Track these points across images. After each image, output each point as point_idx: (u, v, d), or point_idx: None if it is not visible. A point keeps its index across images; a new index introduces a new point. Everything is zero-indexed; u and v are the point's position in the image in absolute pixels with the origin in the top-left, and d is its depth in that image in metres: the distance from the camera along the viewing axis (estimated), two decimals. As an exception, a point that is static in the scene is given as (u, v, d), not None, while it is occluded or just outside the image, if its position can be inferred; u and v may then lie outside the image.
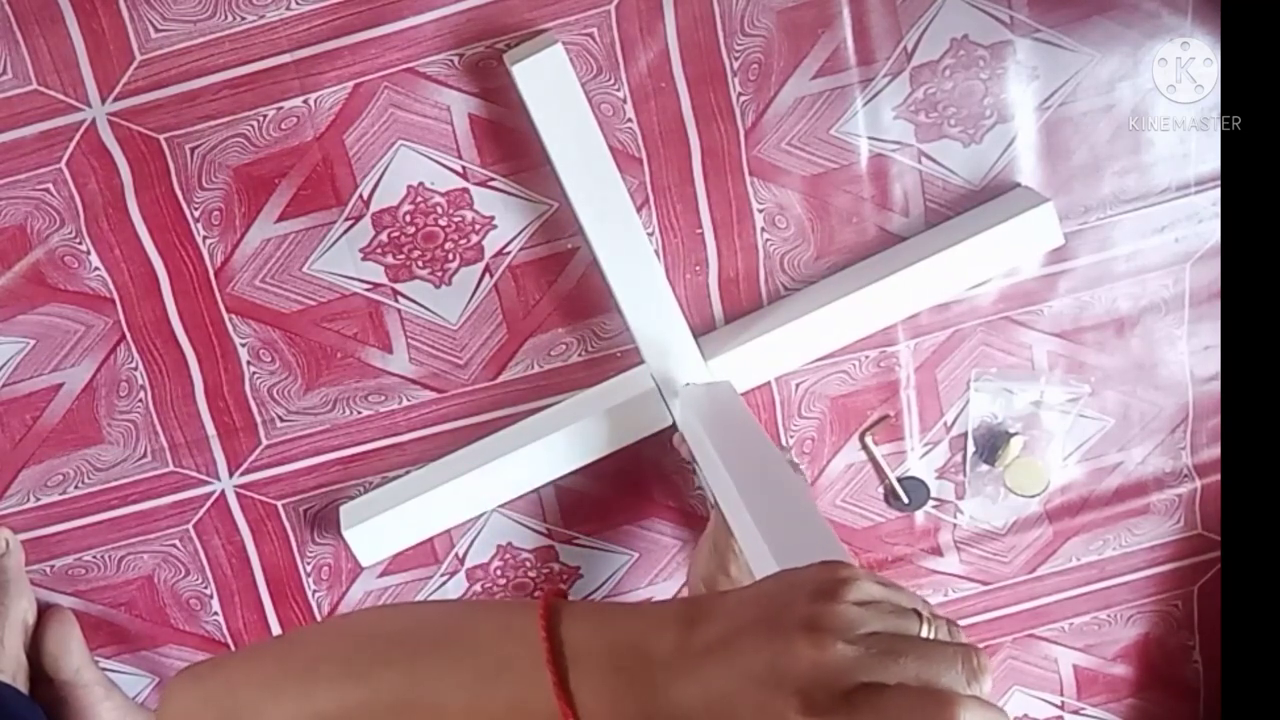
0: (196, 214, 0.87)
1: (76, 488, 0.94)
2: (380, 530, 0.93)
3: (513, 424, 0.95)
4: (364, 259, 0.90)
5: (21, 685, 0.89)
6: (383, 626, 0.51)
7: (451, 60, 0.85)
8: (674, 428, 0.93)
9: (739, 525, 0.74)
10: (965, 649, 0.40)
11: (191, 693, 0.52)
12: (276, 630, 1.01)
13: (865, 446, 0.97)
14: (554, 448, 0.92)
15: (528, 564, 1.01)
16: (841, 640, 0.39)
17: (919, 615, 0.42)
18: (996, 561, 1.06)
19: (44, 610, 0.95)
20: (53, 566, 0.97)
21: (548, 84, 0.82)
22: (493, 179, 0.88)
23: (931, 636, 0.42)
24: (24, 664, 0.91)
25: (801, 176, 0.90)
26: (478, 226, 0.90)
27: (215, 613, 1.00)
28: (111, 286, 0.89)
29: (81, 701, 0.92)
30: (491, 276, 0.91)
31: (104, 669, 0.98)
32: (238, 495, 0.96)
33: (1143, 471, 1.03)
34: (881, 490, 1.01)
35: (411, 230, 0.89)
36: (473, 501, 0.94)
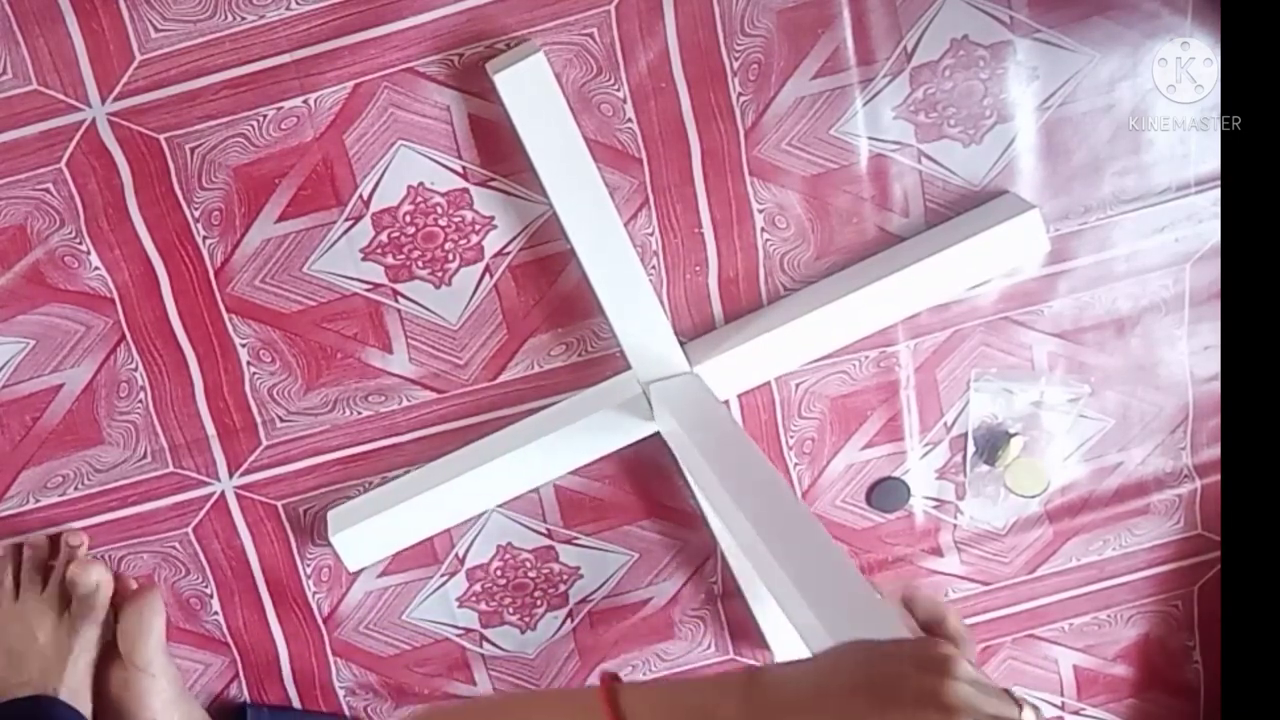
0: (196, 214, 0.87)
1: (76, 489, 0.94)
2: (370, 534, 0.93)
3: (512, 424, 0.95)
4: (364, 259, 0.90)
5: (85, 704, 0.89)
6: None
7: (451, 60, 0.85)
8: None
9: (735, 531, 0.74)
10: None
11: None
12: (276, 631, 1.01)
13: None
14: (552, 449, 0.92)
15: (527, 564, 1.01)
16: (970, 717, 0.42)
17: (1012, 697, 0.45)
18: (996, 562, 1.06)
19: (135, 590, 0.95)
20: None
21: (530, 92, 0.82)
22: (493, 179, 0.88)
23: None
24: (89, 685, 0.91)
25: (801, 176, 0.90)
26: (478, 227, 0.90)
27: (215, 613, 1.00)
28: (111, 286, 0.89)
29: (140, 686, 0.92)
30: (491, 277, 0.91)
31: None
32: (238, 496, 0.96)
33: (1143, 472, 1.03)
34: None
35: (411, 230, 0.89)
36: (466, 504, 0.94)
